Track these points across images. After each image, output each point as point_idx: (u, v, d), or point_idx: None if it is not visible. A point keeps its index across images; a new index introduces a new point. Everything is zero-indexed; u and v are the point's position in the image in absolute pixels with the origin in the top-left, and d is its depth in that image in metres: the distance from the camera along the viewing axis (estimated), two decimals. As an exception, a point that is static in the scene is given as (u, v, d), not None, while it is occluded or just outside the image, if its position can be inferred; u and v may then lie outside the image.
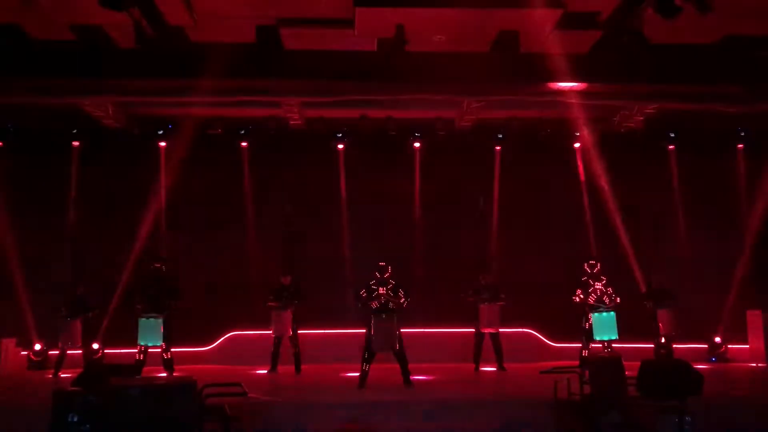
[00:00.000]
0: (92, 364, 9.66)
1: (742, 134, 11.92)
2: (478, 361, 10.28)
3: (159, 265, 9.94)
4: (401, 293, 8.81)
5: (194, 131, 11.58)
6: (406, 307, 8.83)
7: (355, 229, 11.76)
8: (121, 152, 11.61)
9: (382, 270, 8.99)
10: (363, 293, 8.86)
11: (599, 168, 11.82)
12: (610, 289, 9.87)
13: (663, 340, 10.44)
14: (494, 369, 10.25)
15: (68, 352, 10.20)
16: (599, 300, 9.79)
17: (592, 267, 10.02)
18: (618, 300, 9.82)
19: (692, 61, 10.31)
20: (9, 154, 11.48)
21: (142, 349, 9.46)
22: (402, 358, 8.64)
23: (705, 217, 11.76)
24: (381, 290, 8.83)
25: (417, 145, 11.95)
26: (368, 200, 11.81)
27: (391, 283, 8.91)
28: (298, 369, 10.21)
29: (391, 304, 8.71)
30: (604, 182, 11.78)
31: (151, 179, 11.60)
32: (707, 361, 11.06)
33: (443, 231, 11.74)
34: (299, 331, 10.37)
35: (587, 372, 6.79)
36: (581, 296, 9.82)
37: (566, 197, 11.83)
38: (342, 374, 9.50)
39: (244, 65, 10.15)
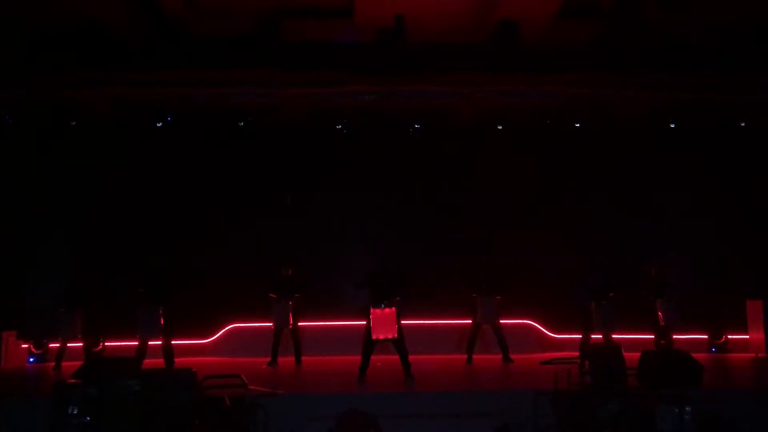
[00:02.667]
0: (93, 357, 9.69)
1: (743, 124, 11.89)
2: (471, 352, 10.27)
3: (159, 257, 9.91)
4: (400, 284, 8.82)
5: (194, 123, 11.57)
6: (405, 299, 8.84)
7: (356, 220, 11.75)
8: (118, 144, 11.58)
9: (382, 261, 9.00)
10: (362, 284, 8.87)
11: (600, 158, 11.79)
12: (609, 281, 9.87)
13: (663, 330, 10.43)
14: (495, 360, 10.25)
15: (68, 344, 10.21)
16: (602, 291, 9.78)
17: (594, 263, 10.02)
18: (610, 295, 9.79)
19: (693, 51, 10.28)
20: (7, 147, 11.46)
21: (143, 341, 9.45)
22: (402, 350, 8.64)
23: (705, 207, 11.74)
24: (380, 281, 8.83)
25: (417, 135, 11.90)
26: (369, 191, 11.78)
27: (391, 275, 8.91)
28: (298, 361, 10.22)
29: (389, 296, 8.70)
30: (605, 173, 11.74)
31: (150, 171, 11.57)
32: (707, 351, 11.08)
33: (444, 222, 11.72)
34: (300, 323, 10.38)
35: (587, 363, 6.80)
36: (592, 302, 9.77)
37: (567, 188, 11.79)
38: (342, 366, 9.51)
39: (244, 57, 10.12)
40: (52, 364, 10.13)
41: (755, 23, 9.76)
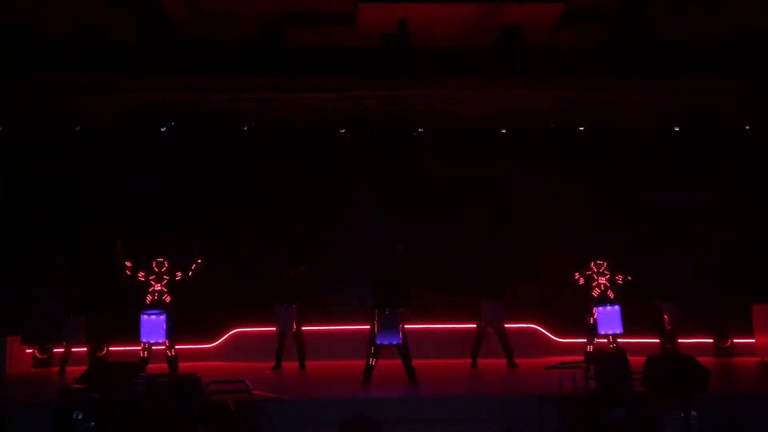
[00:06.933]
0: (96, 362, 9.68)
1: (747, 128, 11.86)
2: (475, 356, 10.25)
3: (162, 260, 9.91)
4: (404, 288, 8.85)
5: (197, 128, 11.59)
6: (407, 269, 8.89)
7: (360, 224, 11.75)
8: (123, 150, 11.61)
9: (387, 264, 9.02)
10: (367, 281, 8.91)
11: (604, 162, 11.78)
12: (618, 277, 9.82)
13: (668, 335, 10.39)
14: (499, 365, 10.23)
15: (73, 349, 10.22)
16: (603, 295, 9.75)
17: (598, 267, 9.98)
18: (627, 278, 9.74)
19: (696, 55, 10.28)
20: (12, 153, 11.49)
21: (146, 346, 9.45)
22: (405, 354, 8.63)
23: (710, 211, 11.71)
24: (384, 282, 8.84)
25: (421, 140, 11.91)
26: (372, 195, 11.79)
27: (395, 276, 8.92)
28: (302, 365, 10.21)
29: (395, 297, 8.72)
30: (609, 176, 11.73)
31: (154, 176, 11.60)
32: (713, 355, 11.02)
33: (447, 227, 11.70)
34: (303, 328, 10.37)
35: (592, 367, 6.77)
36: (582, 280, 9.78)
37: (571, 191, 11.78)
38: (346, 370, 9.49)
39: (247, 63, 10.16)
40: (57, 369, 10.15)
41: (756, 28, 9.76)
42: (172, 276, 9.69)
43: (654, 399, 6.04)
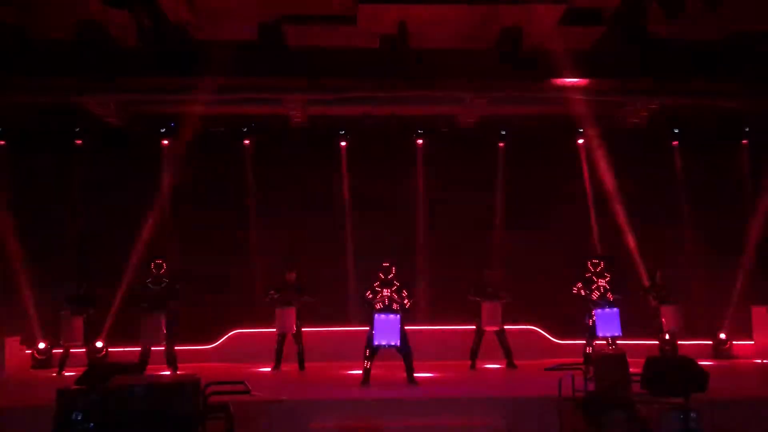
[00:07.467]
0: (96, 363, 9.69)
1: (746, 130, 11.87)
2: (474, 358, 10.25)
3: (160, 262, 9.92)
4: (405, 294, 8.83)
5: (197, 129, 11.59)
6: (409, 308, 8.85)
7: (358, 226, 11.74)
8: (123, 151, 11.61)
9: (386, 271, 9.00)
10: (368, 295, 8.87)
11: (603, 164, 11.78)
12: (612, 288, 9.83)
13: (667, 336, 10.39)
14: (499, 366, 10.24)
15: (71, 350, 10.21)
16: (602, 297, 9.76)
17: (595, 266, 9.99)
18: (617, 295, 9.77)
19: (696, 57, 10.28)
20: (11, 153, 11.49)
21: (146, 347, 9.46)
22: (407, 356, 8.63)
23: (709, 213, 11.71)
24: (385, 291, 8.84)
25: (420, 142, 11.92)
26: (371, 198, 11.78)
27: (396, 284, 8.92)
28: (301, 366, 10.21)
29: (395, 305, 8.72)
30: (607, 179, 11.73)
31: (154, 177, 11.59)
32: (712, 357, 11.03)
33: (446, 229, 11.70)
34: (303, 329, 10.37)
35: (591, 369, 6.78)
36: (582, 290, 9.81)
37: (570, 194, 11.78)
38: (345, 372, 9.50)
39: (247, 63, 10.15)
40: (55, 369, 10.15)
41: (756, 29, 9.76)
42: (171, 279, 9.73)
43: (653, 401, 6.04)
